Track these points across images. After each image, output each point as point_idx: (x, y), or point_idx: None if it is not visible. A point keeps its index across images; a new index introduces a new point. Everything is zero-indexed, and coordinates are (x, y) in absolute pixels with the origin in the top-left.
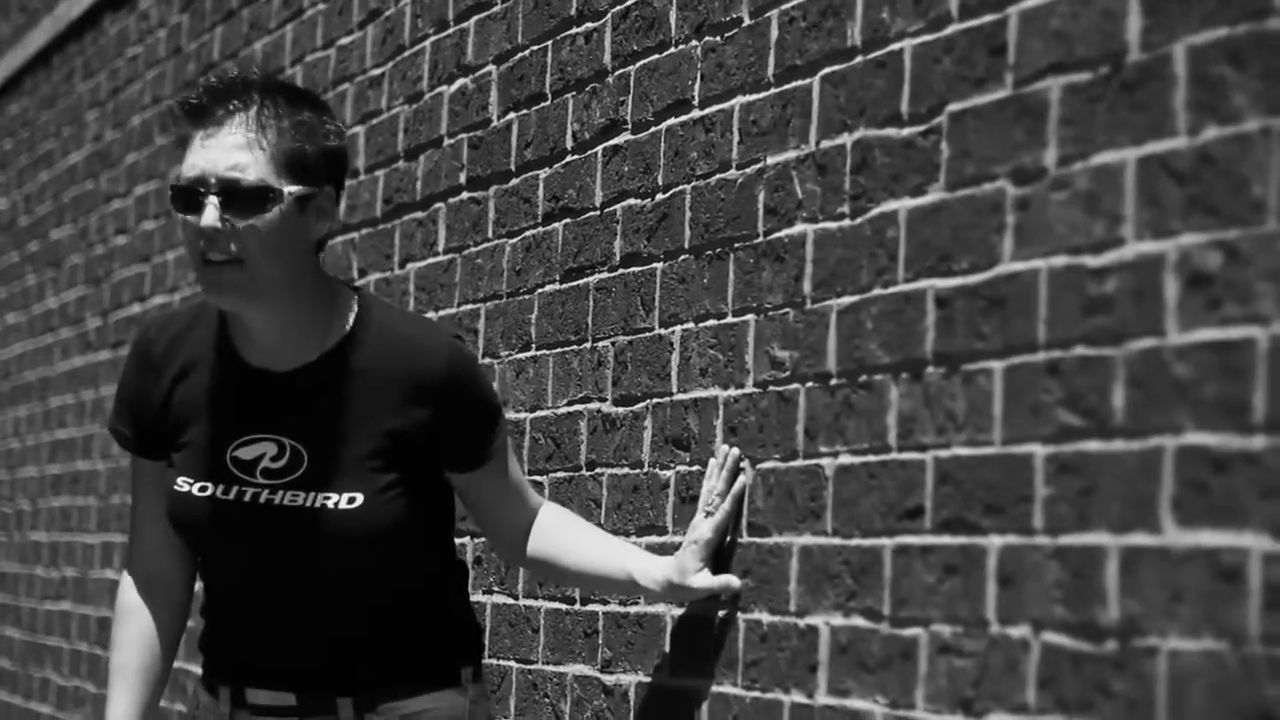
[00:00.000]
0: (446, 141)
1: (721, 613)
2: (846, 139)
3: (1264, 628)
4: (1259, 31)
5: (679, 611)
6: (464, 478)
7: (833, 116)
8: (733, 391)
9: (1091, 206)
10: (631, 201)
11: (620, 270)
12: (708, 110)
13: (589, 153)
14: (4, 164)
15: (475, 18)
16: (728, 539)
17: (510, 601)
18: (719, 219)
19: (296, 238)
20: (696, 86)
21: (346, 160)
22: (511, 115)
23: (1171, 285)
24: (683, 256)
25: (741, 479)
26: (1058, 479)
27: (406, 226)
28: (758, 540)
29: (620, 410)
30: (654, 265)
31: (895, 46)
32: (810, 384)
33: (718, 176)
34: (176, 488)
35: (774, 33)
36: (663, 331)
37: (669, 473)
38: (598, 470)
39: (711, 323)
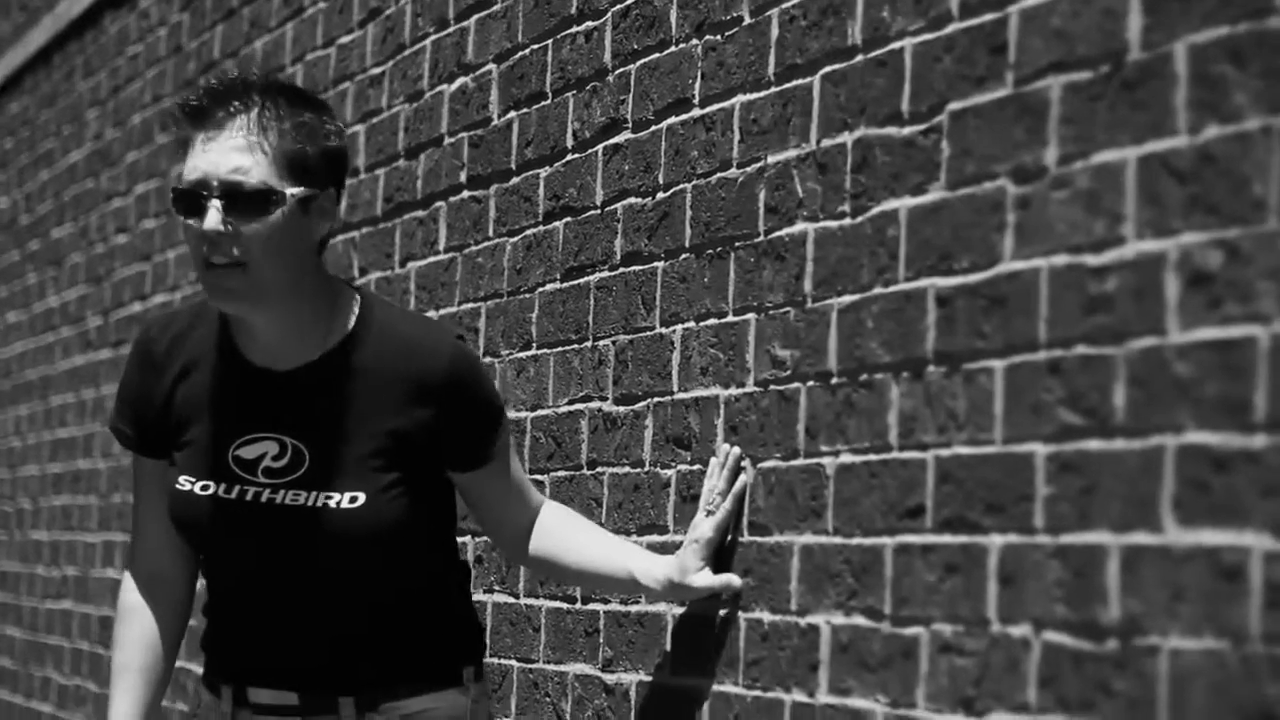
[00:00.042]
0: (447, 140)
1: (722, 612)
2: (847, 138)
3: (1265, 627)
4: (1260, 30)
5: (680, 610)
6: (466, 477)
7: (833, 115)
8: (734, 390)
9: (1092, 205)
10: (632, 200)
11: (621, 269)
12: (708, 109)
13: (589, 151)
14: (5, 163)
15: (475, 16)
16: (729, 538)
17: (511, 600)
18: (720, 218)
19: (299, 239)
20: (697, 85)
21: (347, 160)
22: (512, 114)
23: (1172, 284)
24: (683, 255)
25: (742, 478)
26: (1059, 478)
27: (407, 225)
28: (759, 539)
29: (621, 409)
30: (655, 264)
31: (896, 45)
32: (811, 383)
33: (718, 175)
34: (178, 486)
35: (774, 31)
36: (664, 330)
37: (670, 472)
38: (599, 469)
39: (712, 322)
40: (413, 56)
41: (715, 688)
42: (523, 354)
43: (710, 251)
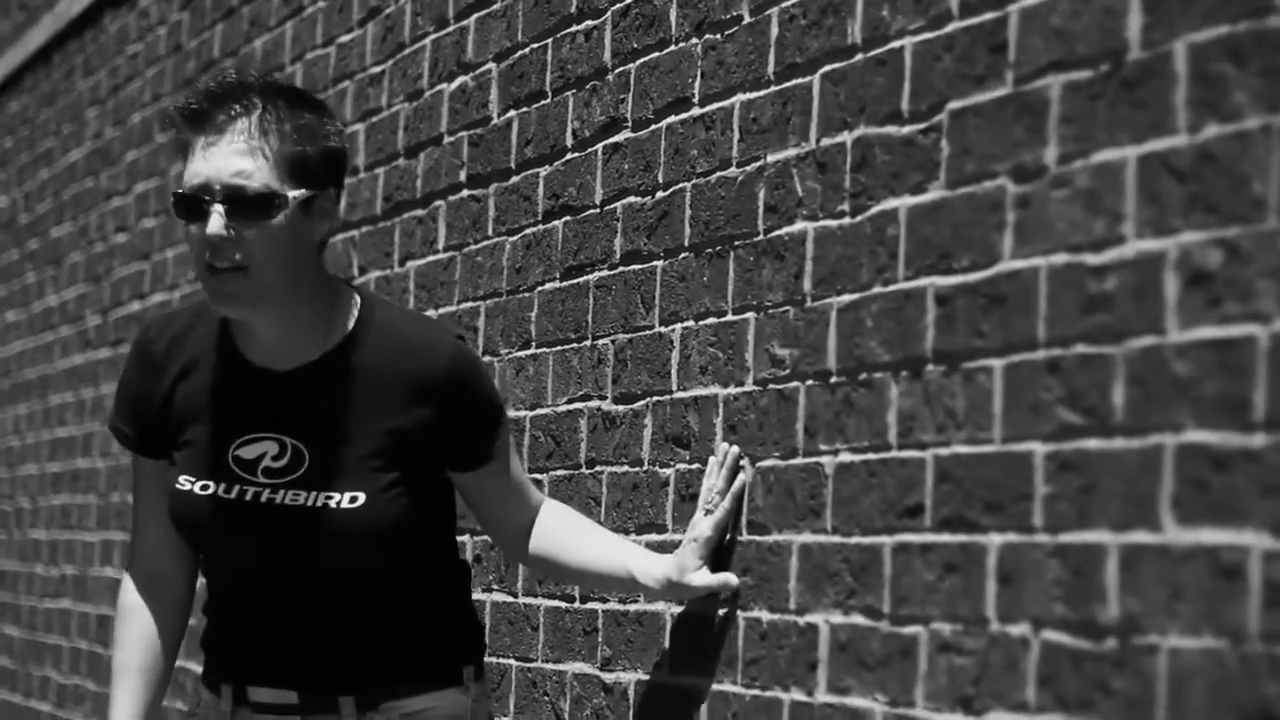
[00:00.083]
0: (447, 139)
1: (721, 611)
2: (847, 137)
3: (1264, 626)
4: (1259, 29)
5: (678, 609)
6: (466, 477)
7: (833, 114)
8: (733, 389)
9: (1092, 204)
10: (632, 199)
11: (620, 268)
12: (708, 108)
13: (589, 150)
14: (4, 162)
15: (475, 15)
16: (727, 537)
17: (509, 599)
18: (719, 217)
19: (300, 241)
20: (697, 84)
21: (346, 159)
22: (512, 113)
23: (1172, 283)
24: (683, 254)
25: (741, 477)
26: (1058, 477)
27: (406, 224)
28: (757, 538)
29: (620, 408)
30: (654, 263)
31: (896, 44)
32: (810, 382)
33: (718, 174)
34: (178, 486)
35: (774, 30)
36: (663, 329)
37: (669, 471)
38: (597, 468)
39: (711, 321)
40: (412, 55)
41: (714, 687)
42: (522, 353)
43: (710, 250)
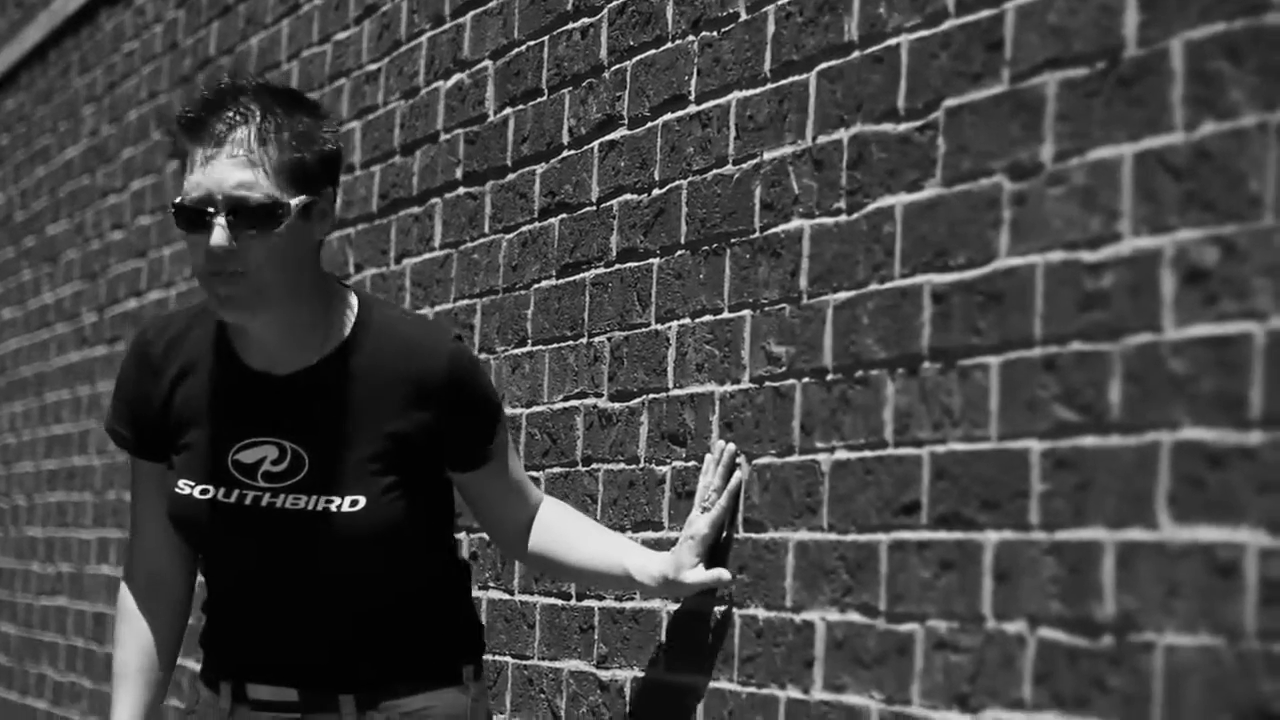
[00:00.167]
0: (443, 137)
1: (717, 608)
2: (843, 134)
3: (1260, 623)
4: (1256, 27)
5: (675, 607)
6: (466, 476)
7: (829, 112)
8: (729, 387)
9: (1088, 202)
10: (628, 197)
11: (616, 265)
12: (704, 105)
13: (585, 148)
14: (0, 159)
15: (472, 13)
16: (724, 534)
17: (506, 597)
18: (715, 214)
19: (301, 245)
20: (693, 82)
21: (342, 159)
22: (508, 110)
23: (1168, 281)
24: (679, 252)
25: (737, 474)
26: (1054, 474)
27: (403, 222)
28: (754, 536)
29: (616, 406)
30: (650, 261)
31: (892, 42)
32: (806, 379)
33: (714, 172)
34: (177, 490)
35: (770, 28)
36: (659, 327)
37: (665, 468)
38: (594, 466)
39: (708, 318)
40: (409, 53)
41: (710, 684)
42: (518, 350)
43: (706, 248)
